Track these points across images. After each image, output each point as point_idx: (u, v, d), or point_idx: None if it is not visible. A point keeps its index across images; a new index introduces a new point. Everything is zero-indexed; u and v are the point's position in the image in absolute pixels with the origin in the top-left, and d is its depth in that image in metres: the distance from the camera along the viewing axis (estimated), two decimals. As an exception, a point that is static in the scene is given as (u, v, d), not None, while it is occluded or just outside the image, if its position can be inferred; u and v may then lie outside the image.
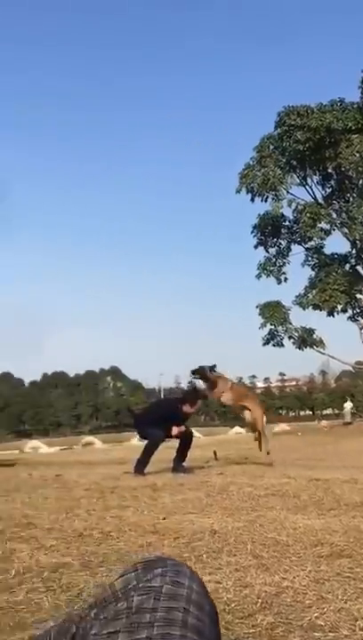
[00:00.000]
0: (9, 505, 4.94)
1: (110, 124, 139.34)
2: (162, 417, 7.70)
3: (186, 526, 3.79)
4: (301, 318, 30.29)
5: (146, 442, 7.71)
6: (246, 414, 8.75)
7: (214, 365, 8.55)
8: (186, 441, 7.85)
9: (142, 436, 8.05)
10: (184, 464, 7.78)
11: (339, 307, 27.17)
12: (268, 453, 8.76)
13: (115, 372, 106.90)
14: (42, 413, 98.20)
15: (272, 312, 27.31)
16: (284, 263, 28.36)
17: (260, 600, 2.33)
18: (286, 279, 28.09)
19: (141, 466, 7.41)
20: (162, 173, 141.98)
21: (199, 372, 8.54)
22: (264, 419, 9.14)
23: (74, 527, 3.87)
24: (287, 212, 27.84)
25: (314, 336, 27.90)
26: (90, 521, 4.09)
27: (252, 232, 28.67)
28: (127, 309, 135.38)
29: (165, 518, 4.08)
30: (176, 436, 7.77)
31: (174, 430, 7.61)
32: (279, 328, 27.66)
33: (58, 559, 3.03)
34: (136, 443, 26.68)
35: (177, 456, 7.81)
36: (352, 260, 28.42)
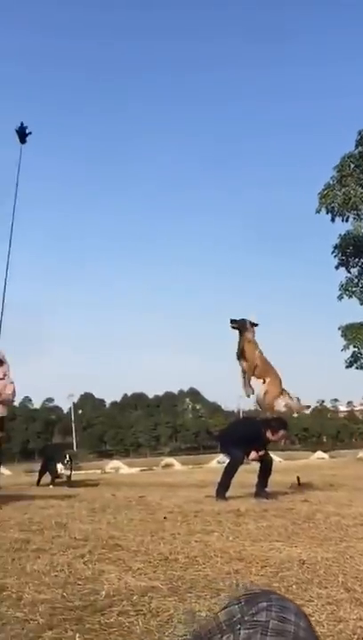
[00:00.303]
0: (95, 525, 5.02)
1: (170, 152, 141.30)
2: (244, 437, 7.62)
3: (273, 555, 3.70)
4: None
5: (226, 462, 7.68)
6: (262, 386, 8.11)
7: (257, 324, 8.15)
8: (266, 466, 7.73)
9: (226, 453, 7.99)
10: (267, 489, 7.65)
11: None
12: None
13: (193, 394, 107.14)
14: (122, 434, 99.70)
15: (355, 334, 26.62)
16: (367, 283, 27.64)
17: (356, 636, 2.24)
18: (369, 300, 27.33)
19: (222, 489, 7.36)
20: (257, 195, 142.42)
21: (238, 324, 8.01)
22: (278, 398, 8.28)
23: (159, 550, 3.88)
24: (370, 232, 27.19)
25: None
26: (175, 545, 4.08)
27: (332, 252, 28.17)
28: (207, 332, 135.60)
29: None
30: (254, 460, 7.68)
31: (253, 455, 7.53)
32: (363, 350, 26.89)
33: (146, 583, 3.04)
34: (216, 465, 26.55)
35: (259, 481, 7.70)
36: None
